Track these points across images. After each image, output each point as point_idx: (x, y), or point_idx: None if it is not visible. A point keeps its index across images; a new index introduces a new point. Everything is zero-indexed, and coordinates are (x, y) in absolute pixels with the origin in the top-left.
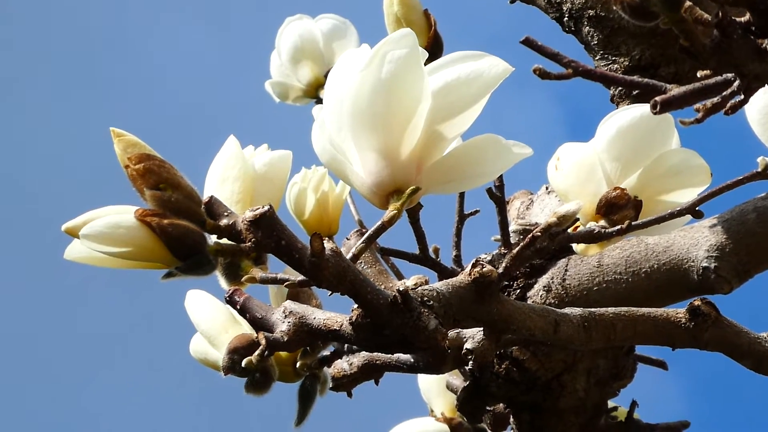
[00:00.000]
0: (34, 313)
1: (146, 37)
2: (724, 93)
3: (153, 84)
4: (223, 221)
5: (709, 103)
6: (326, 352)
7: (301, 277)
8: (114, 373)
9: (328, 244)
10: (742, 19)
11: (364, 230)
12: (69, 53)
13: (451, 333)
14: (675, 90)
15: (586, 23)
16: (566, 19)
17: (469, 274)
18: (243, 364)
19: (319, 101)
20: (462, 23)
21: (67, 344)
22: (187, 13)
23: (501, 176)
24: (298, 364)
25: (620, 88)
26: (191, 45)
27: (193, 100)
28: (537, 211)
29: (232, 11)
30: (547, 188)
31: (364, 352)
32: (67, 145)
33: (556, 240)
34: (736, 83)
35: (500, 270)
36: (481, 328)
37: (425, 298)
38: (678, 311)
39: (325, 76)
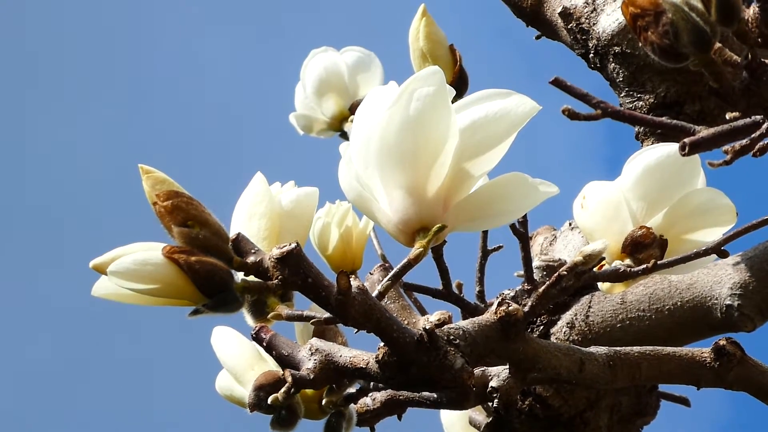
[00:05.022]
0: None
1: (176, 63)
2: (753, 135)
3: (179, 114)
4: (251, 258)
5: (737, 144)
6: (352, 390)
7: (327, 314)
8: (136, 406)
9: (354, 282)
10: None
11: (387, 264)
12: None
13: (476, 370)
14: (703, 132)
15: (611, 60)
16: (592, 55)
17: (495, 313)
18: (269, 401)
19: (344, 134)
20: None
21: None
22: (215, 45)
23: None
24: (323, 402)
25: None
26: (219, 74)
27: (220, 127)
28: (560, 247)
29: (259, 45)
30: (570, 224)
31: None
32: (95, 179)
33: (581, 279)
34: (765, 125)
35: (526, 309)
36: (506, 366)
37: (451, 337)
38: (703, 350)
39: (350, 109)
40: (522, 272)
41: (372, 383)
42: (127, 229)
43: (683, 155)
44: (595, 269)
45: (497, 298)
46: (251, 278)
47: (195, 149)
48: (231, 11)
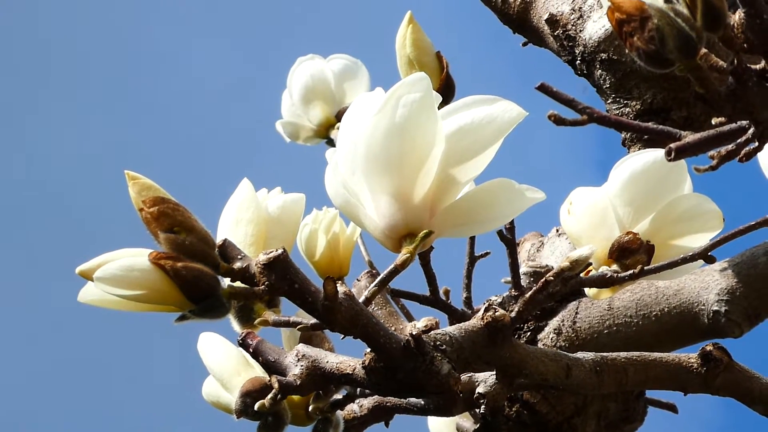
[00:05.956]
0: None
1: (162, 69)
2: (739, 140)
3: (165, 120)
4: (237, 264)
5: (723, 150)
6: (339, 396)
7: (313, 321)
8: (121, 412)
9: (341, 288)
10: (757, 66)
11: (374, 271)
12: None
13: (463, 377)
14: (690, 137)
15: (598, 66)
16: (578, 62)
17: (482, 319)
18: (256, 407)
19: (330, 141)
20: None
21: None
22: (203, 51)
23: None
24: (310, 408)
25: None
26: (206, 81)
27: (207, 133)
28: (547, 253)
29: (246, 52)
30: (557, 230)
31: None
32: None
33: (568, 284)
34: (751, 130)
35: (513, 314)
36: (494, 372)
37: (438, 342)
38: (690, 356)
39: (336, 117)
40: (509, 278)
41: (359, 390)
42: (113, 235)
43: (669, 160)
44: (581, 275)
45: (484, 304)
46: (238, 284)
47: (181, 155)
48: (220, 19)
